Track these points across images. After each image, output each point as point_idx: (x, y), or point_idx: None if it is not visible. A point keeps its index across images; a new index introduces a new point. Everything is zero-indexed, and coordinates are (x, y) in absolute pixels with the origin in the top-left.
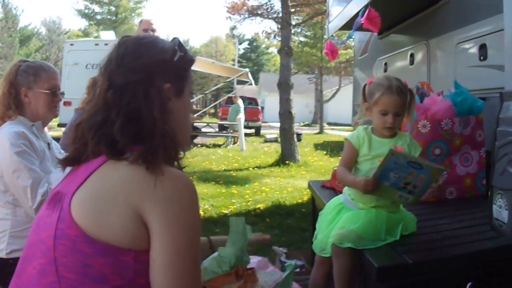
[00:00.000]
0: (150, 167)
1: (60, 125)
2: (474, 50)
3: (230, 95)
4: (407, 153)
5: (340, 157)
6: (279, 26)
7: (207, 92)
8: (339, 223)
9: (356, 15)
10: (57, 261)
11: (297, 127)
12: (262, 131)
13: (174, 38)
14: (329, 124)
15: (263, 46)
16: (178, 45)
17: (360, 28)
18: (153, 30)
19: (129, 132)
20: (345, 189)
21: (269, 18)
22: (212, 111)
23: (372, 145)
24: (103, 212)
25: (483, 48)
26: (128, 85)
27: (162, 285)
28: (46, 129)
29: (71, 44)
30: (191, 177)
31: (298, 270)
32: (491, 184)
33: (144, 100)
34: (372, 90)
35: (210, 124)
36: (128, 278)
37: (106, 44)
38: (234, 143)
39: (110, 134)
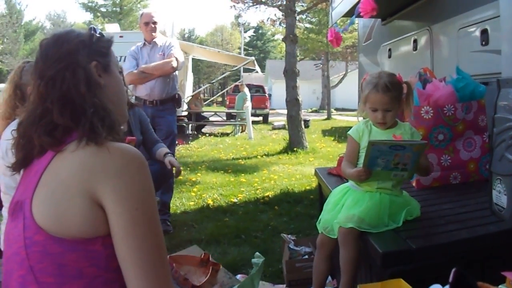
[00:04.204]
0: (97, 142)
1: None
2: (476, 35)
3: (236, 83)
4: (386, 140)
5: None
6: (284, 14)
7: (214, 81)
8: (344, 207)
9: (359, 1)
10: (33, 269)
11: (304, 114)
12: (270, 119)
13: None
14: (337, 109)
15: (269, 33)
16: (93, 29)
17: (360, 15)
18: (154, 23)
19: (67, 113)
20: None
21: (273, 6)
22: (220, 99)
23: (372, 135)
24: (61, 209)
25: (484, 33)
26: (58, 73)
27: (125, 257)
28: None
29: None
30: (199, 167)
31: (306, 257)
32: (490, 170)
33: (72, 80)
34: (364, 87)
35: (217, 113)
36: (103, 265)
37: (121, 37)
38: (242, 131)
39: (51, 122)
